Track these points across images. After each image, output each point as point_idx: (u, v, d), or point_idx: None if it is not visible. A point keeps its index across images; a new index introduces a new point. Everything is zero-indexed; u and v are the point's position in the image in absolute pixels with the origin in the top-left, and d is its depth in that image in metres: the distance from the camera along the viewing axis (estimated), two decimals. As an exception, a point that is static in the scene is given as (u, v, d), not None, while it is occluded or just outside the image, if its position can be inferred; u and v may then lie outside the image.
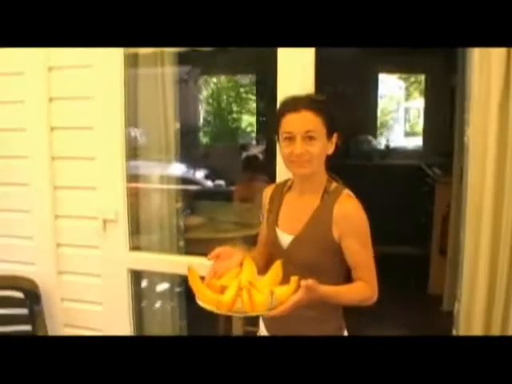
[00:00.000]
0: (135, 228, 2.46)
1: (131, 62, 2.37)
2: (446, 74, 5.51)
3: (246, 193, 4.39)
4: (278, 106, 1.69)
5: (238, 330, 3.01)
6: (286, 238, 1.64)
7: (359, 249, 1.56)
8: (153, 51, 2.37)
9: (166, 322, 2.64)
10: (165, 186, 2.62)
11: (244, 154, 6.04)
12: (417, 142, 7.19)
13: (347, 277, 1.64)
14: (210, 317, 3.41)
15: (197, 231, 3.23)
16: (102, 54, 2.26)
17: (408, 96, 8.69)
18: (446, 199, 4.20)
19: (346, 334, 1.71)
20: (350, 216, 1.56)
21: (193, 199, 4.15)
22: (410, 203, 5.10)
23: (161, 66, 2.42)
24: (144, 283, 2.64)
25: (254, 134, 7.63)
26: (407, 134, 7.79)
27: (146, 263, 2.46)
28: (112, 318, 2.43)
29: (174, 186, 2.66)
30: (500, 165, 2.02)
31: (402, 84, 8.73)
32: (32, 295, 2.38)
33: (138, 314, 2.51)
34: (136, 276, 2.49)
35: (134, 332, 2.46)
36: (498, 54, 1.96)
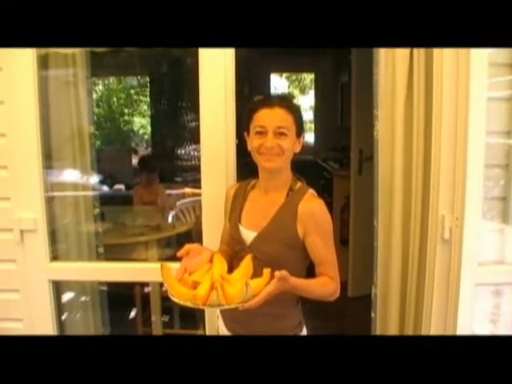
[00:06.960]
0: (53, 237, 2.34)
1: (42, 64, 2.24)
2: (335, 73, 5.80)
3: (145, 196, 4.34)
4: (250, 103, 1.70)
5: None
6: (249, 235, 1.66)
7: (324, 246, 1.61)
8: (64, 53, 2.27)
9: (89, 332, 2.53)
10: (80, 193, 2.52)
11: (139, 157, 5.94)
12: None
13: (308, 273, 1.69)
14: (131, 324, 3.37)
15: (105, 237, 3.13)
16: (12, 56, 2.11)
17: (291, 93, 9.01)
18: (343, 191, 4.43)
19: (305, 330, 1.76)
20: (314, 214, 1.61)
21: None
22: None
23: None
24: (65, 294, 2.51)
25: (146, 137, 7.52)
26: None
27: (69, 273, 2.36)
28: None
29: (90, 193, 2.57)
30: (407, 155, 2.17)
31: (285, 83, 9.07)
32: None
33: (61, 328, 2.39)
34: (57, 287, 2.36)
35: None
36: (401, 53, 2.09)
